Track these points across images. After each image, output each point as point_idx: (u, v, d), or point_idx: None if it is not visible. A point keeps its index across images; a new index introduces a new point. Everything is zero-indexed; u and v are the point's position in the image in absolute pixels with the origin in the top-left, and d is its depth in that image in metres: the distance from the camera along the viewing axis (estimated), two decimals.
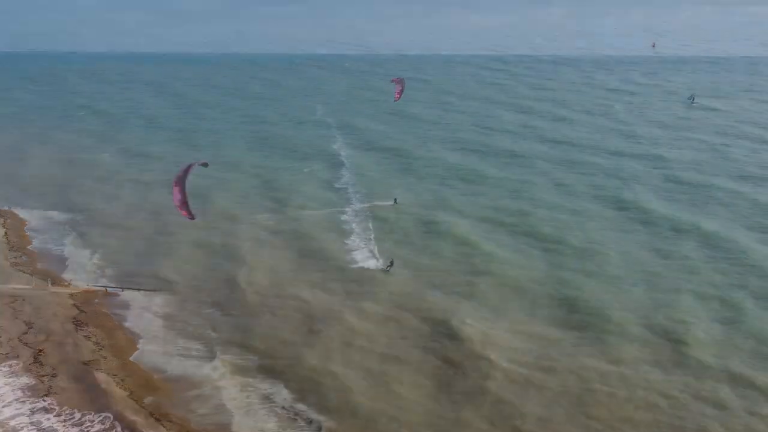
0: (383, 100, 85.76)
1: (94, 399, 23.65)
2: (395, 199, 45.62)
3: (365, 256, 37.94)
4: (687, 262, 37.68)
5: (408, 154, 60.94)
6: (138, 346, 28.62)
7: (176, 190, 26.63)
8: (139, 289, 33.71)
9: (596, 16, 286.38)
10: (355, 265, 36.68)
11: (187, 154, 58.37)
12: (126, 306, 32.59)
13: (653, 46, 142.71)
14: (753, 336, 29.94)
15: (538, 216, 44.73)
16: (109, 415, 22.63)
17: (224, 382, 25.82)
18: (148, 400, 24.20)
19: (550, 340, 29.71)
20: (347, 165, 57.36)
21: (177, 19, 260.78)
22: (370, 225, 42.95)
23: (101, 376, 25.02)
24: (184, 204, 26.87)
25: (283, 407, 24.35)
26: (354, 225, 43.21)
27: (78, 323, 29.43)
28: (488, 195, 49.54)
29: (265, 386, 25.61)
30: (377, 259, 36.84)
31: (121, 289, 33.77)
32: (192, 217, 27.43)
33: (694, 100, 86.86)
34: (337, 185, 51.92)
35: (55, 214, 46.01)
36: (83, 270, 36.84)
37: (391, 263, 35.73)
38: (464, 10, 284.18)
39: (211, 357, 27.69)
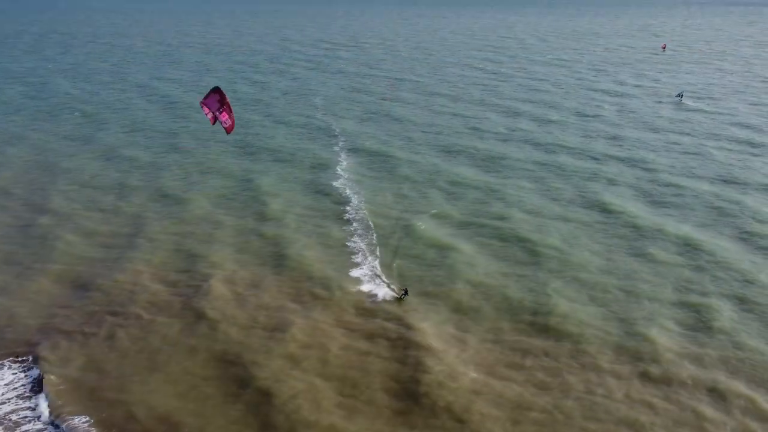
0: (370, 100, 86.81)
1: None
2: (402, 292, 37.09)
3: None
4: (660, 267, 38.61)
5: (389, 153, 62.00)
6: None
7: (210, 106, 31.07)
8: None
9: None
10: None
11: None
12: None
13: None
14: (724, 343, 30.92)
15: (515, 220, 45.76)
16: None
17: None
18: None
19: (520, 350, 30.68)
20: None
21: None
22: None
23: None
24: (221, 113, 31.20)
25: None
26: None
27: None
28: (467, 198, 50.55)
29: None
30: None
31: None
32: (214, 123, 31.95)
33: (683, 98, 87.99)
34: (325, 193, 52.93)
35: None
36: None
37: (406, 292, 34.75)
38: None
39: None
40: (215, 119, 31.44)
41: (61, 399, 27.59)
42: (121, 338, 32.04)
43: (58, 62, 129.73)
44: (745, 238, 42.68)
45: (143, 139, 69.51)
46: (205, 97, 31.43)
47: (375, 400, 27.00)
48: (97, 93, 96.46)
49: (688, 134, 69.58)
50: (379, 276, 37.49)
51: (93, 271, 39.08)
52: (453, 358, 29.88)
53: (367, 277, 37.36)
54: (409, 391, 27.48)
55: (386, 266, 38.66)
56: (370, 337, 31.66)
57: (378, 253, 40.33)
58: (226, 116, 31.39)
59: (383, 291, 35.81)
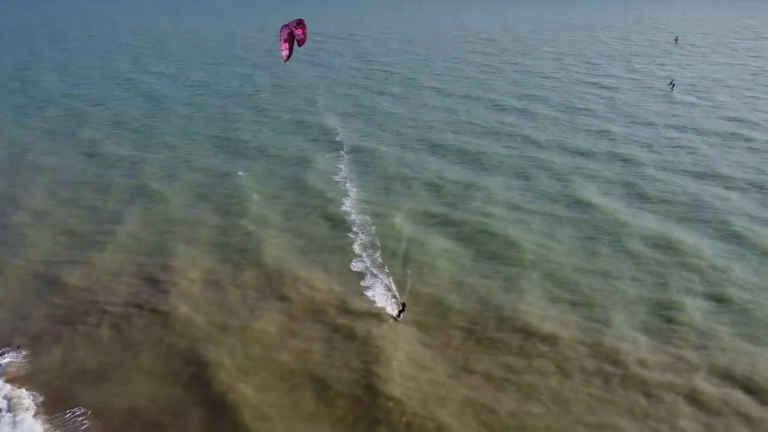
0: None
1: None
2: None
3: None
4: (638, 264, 39.28)
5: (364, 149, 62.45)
6: None
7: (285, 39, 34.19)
8: None
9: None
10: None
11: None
12: None
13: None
14: (697, 341, 31.72)
15: (492, 215, 46.39)
16: None
17: None
18: None
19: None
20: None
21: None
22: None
23: None
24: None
25: None
26: None
27: None
28: (449, 192, 51.12)
29: None
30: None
31: None
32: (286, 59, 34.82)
33: (674, 87, 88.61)
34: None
35: None
36: None
37: (403, 307, 34.27)
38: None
39: None
40: (290, 47, 34.59)
41: (42, 389, 28.73)
42: (97, 334, 32.88)
43: (41, 55, 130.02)
44: (724, 235, 43.21)
45: (125, 134, 69.95)
46: (286, 25, 34.81)
47: (334, 404, 27.49)
48: (80, 86, 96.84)
49: (674, 127, 70.07)
50: (361, 273, 38.19)
51: (68, 267, 39.80)
52: (417, 358, 30.53)
53: (343, 278, 37.94)
54: (370, 396, 27.92)
55: (363, 262, 39.36)
56: (336, 335, 32.30)
57: (356, 251, 40.94)
58: (301, 31, 34.58)
59: (363, 291, 36.49)
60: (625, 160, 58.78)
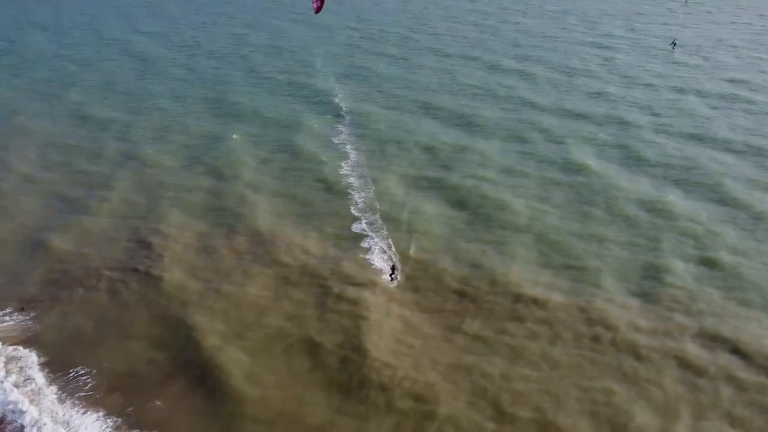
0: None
1: None
2: None
3: None
4: (628, 228, 39.47)
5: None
6: None
7: None
8: None
9: None
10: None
11: None
12: None
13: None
14: (683, 305, 32.09)
15: (481, 178, 46.35)
16: None
17: None
18: None
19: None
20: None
21: None
22: None
23: None
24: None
25: None
26: None
27: None
28: (441, 155, 50.90)
29: None
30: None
31: None
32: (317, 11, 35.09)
33: (675, 47, 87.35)
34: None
35: None
36: None
37: (393, 270, 34.48)
38: None
39: None
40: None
41: (46, 350, 29.60)
42: (94, 297, 33.47)
43: (29, 14, 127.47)
44: (719, 198, 43.15)
45: (116, 96, 69.21)
46: None
47: (326, 367, 27.97)
48: (70, 46, 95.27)
49: (674, 89, 69.23)
50: (345, 238, 38.36)
51: (62, 231, 40.01)
52: (409, 321, 30.94)
53: (337, 241, 38.13)
54: (361, 358, 28.34)
55: (358, 226, 39.55)
56: (328, 299, 32.66)
57: (351, 214, 41.06)
58: None
59: (348, 255, 36.71)
60: (623, 123, 58.36)
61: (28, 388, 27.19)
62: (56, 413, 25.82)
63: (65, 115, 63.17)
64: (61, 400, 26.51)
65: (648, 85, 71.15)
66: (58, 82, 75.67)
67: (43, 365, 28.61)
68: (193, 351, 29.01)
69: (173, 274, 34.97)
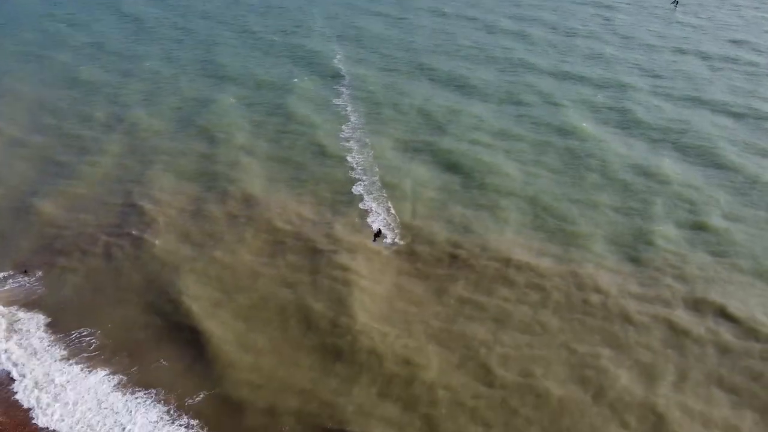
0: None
1: None
2: None
3: None
4: (619, 192, 39.60)
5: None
6: None
7: None
8: None
9: None
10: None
11: None
12: None
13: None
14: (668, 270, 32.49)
15: (472, 141, 46.20)
16: None
17: None
18: None
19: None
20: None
21: None
22: None
23: None
24: None
25: None
26: None
27: None
28: (434, 117, 50.54)
29: None
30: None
31: None
32: None
33: (677, 5, 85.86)
34: None
35: None
36: None
37: (379, 232, 34.78)
38: None
39: None
40: None
41: (48, 312, 30.34)
42: (90, 262, 33.87)
43: None
44: (714, 163, 43.01)
45: (106, 57, 68.04)
46: None
47: (313, 332, 28.36)
48: (59, 6, 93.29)
49: (674, 50, 68.22)
50: (332, 205, 38.45)
51: (55, 196, 40.10)
52: (398, 285, 31.24)
53: (329, 206, 38.16)
54: (348, 323, 28.67)
55: (350, 191, 39.59)
56: (318, 263, 32.89)
57: (343, 179, 41.01)
58: None
59: (336, 219, 36.85)
60: (621, 85, 57.74)
61: (31, 348, 27.84)
62: (59, 372, 26.48)
63: (55, 78, 62.38)
64: (64, 360, 27.20)
65: (648, 45, 70.10)
66: (48, 44, 74.40)
67: (46, 326, 29.26)
68: (186, 315, 29.41)
69: (166, 239, 35.18)
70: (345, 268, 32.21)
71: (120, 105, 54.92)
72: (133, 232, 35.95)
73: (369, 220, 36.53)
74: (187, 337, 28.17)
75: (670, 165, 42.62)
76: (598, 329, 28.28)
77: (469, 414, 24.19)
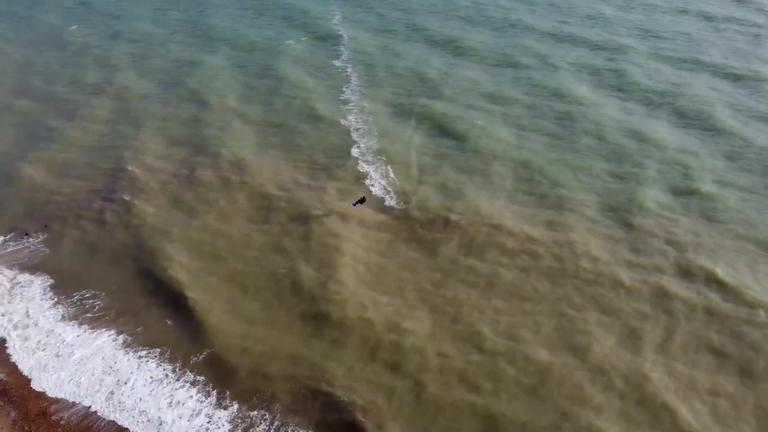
0: None
1: None
2: None
3: None
4: (602, 156, 39.67)
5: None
6: None
7: None
8: None
9: None
10: None
11: None
12: None
13: None
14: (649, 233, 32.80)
15: (459, 104, 45.80)
16: None
17: None
18: None
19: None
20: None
21: None
22: None
23: None
24: None
25: None
26: None
27: None
28: (426, 79, 49.91)
29: None
30: None
31: None
32: None
33: None
34: None
35: None
36: None
37: (363, 200, 34.26)
38: None
39: None
40: None
41: (51, 274, 30.67)
42: (83, 226, 34.06)
43: None
44: (708, 127, 42.67)
45: (93, 18, 66.99)
46: None
47: (294, 300, 28.40)
48: None
49: (674, 10, 67.04)
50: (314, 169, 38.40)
51: (44, 161, 39.97)
52: (381, 254, 31.24)
53: (318, 172, 38.04)
54: (331, 291, 28.74)
55: (339, 157, 39.49)
56: (304, 230, 32.98)
57: (334, 144, 40.85)
58: None
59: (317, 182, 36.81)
60: (618, 47, 56.82)
61: (34, 309, 28.35)
62: (61, 332, 27.09)
63: (41, 40, 61.42)
64: (65, 320, 27.80)
65: (649, 5, 68.84)
66: (35, 3, 73.00)
67: (49, 288, 29.68)
68: (176, 282, 29.55)
69: (158, 204, 35.35)
70: (337, 234, 32.28)
71: (109, 67, 54.25)
72: (125, 197, 35.96)
73: (363, 184, 36.45)
74: (165, 304, 28.40)
75: (665, 129, 42.38)
76: (588, 294, 28.51)
77: (457, 377, 24.57)
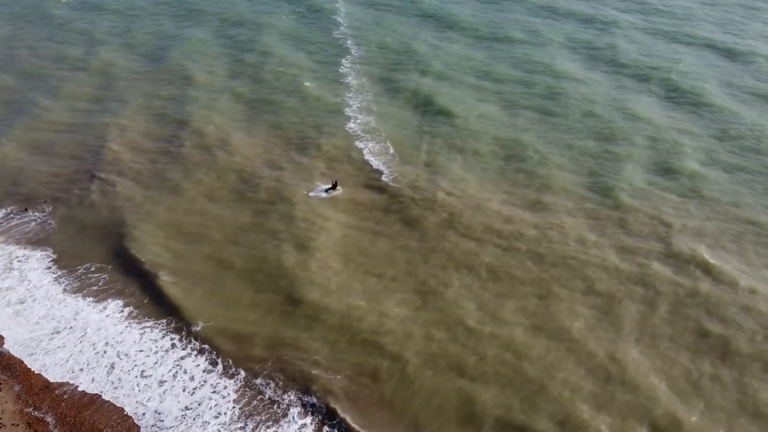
0: None
1: None
2: None
3: None
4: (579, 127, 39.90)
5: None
6: None
7: None
8: None
9: None
10: None
11: None
12: None
13: None
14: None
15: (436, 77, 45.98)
16: None
17: None
18: None
19: None
20: None
21: None
22: None
23: None
24: None
25: None
26: None
27: None
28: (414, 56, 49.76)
29: None
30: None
31: None
32: None
33: None
34: None
35: None
36: None
37: (334, 185, 34.15)
38: None
39: None
40: None
41: (54, 248, 30.97)
42: (69, 200, 34.18)
43: None
44: (694, 104, 42.97)
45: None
46: None
47: (265, 285, 28.14)
48: None
49: None
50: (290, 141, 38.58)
51: (24, 142, 39.60)
52: (354, 236, 31.12)
53: (293, 150, 37.88)
54: (299, 276, 28.51)
55: (312, 139, 39.40)
56: (277, 211, 32.86)
57: (312, 119, 40.67)
58: None
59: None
60: (608, 22, 56.64)
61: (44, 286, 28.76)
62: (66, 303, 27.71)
63: (19, 16, 60.21)
64: (67, 293, 28.31)
65: None
66: None
67: (53, 262, 30.06)
68: (153, 264, 29.48)
69: (141, 183, 35.26)
70: (306, 219, 31.99)
71: (92, 43, 53.48)
72: (103, 175, 35.76)
73: (337, 165, 36.32)
74: (139, 285, 28.52)
75: (651, 106, 42.50)
76: (569, 274, 28.38)
77: (434, 360, 24.39)
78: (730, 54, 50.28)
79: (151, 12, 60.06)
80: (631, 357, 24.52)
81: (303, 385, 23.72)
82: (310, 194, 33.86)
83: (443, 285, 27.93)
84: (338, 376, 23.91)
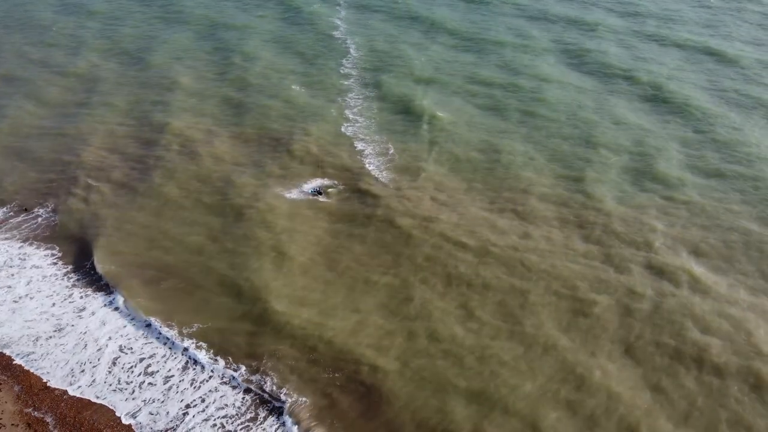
0: None
1: None
2: None
3: None
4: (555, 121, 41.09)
5: None
6: None
7: None
8: None
9: None
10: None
11: None
12: None
13: None
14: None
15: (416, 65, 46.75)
16: None
17: None
18: None
19: None
20: None
21: None
22: None
23: None
24: None
25: None
26: None
27: None
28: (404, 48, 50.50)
29: None
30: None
31: None
32: None
33: None
34: None
35: None
36: None
37: (320, 191, 34.54)
38: None
39: None
40: None
41: (60, 245, 32.02)
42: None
43: None
44: (678, 110, 43.74)
45: None
46: None
47: (231, 291, 28.64)
48: None
49: None
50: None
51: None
52: (328, 237, 31.75)
53: (264, 152, 38.63)
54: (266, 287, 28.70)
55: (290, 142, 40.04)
56: (253, 215, 33.39)
57: (287, 128, 41.28)
58: None
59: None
60: (592, 25, 57.71)
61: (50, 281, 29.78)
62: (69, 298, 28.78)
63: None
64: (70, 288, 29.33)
65: None
66: None
67: (58, 258, 30.96)
68: (108, 274, 29.96)
69: (114, 188, 35.90)
70: (294, 216, 32.76)
71: (72, 46, 53.69)
72: (81, 180, 36.36)
73: (317, 169, 37.02)
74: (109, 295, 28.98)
75: (630, 109, 43.55)
76: (548, 282, 28.83)
77: (411, 371, 24.80)
78: (719, 58, 50.97)
79: (133, 11, 60.86)
80: (608, 366, 24.92)
81: (275, 396, 24.02)
82: (291, 196, 34.26)
83: (421, 292, 28.17)
84: (310, 389, 24.21)
